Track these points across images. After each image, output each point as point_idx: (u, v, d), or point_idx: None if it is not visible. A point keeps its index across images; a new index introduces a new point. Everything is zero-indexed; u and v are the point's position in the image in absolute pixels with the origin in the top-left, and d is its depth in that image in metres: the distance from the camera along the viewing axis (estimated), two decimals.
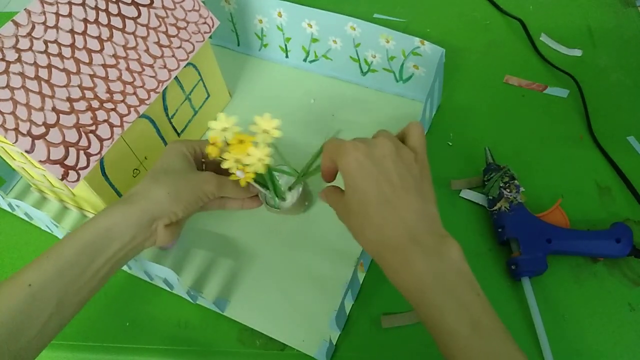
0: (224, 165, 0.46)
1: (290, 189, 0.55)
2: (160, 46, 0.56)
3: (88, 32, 0.52)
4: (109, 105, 0.52)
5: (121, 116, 0.52)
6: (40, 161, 0.47)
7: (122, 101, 0.53)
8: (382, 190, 0.39)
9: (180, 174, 0.47)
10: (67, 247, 0.42)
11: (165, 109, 0.60)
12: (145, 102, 0.54)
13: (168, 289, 0.56)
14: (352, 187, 0.40)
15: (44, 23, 0.50)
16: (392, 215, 0.39)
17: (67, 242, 0.42)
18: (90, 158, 0.50)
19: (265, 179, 0.52)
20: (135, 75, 0.54)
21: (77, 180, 0.49)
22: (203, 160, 0.52)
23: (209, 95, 0.67)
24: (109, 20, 0.53)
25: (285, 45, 0.74)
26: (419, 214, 0.39)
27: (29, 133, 0.47)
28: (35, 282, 0.40)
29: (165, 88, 0.58)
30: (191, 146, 0.50)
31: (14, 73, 0.47)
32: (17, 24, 0.48)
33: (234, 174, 0.48)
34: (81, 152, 0.49)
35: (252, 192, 0.52)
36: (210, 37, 0.61)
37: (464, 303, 0.36)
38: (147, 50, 0.55)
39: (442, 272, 0.37)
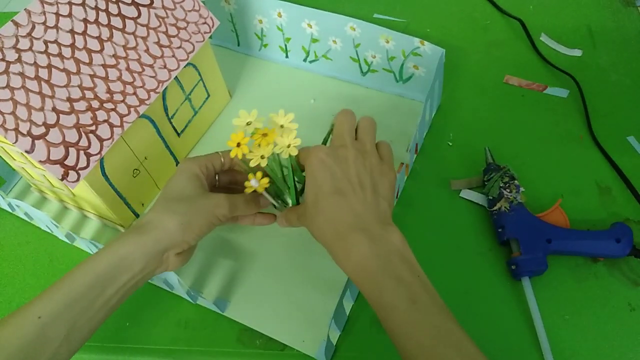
0: (251, 164, 0.46)
1: (301, 192, 0.56)
2: (160, 46, 0.56)
3: (88, 32, 0.52)
4: (109, 106, 0.52)
5: (121, 116, 0.52)
6: (40, 161, 0.47)
7: (122, 101, 0.53)
8: (336, 183, 0.43)
9: (192, 201, 0.47)
10: (78, 278, 0.42)
11: (165, 109, 0.60)
12: (145, 102, 0.54)
13: (168, 289, 0.56)
14: (311, 183, 0.44)
15: (44, 23, 0.50)
16: (344, 205, 0.42)
17: (79, 272, 0.42)
18: (90, 158, 0.50)
19: (278, 186, 0.52)
20: (135, 75, 0.54)
21: (77, 180, 0.49)
22: (217, 173, 0.53)
23: (209, 95, 0.67)
24: (109, 20, 0.53)
25: (285, 46, 0.74)
26: (369, 206, 0.42)
27: (29, 133, 0.47)
28: (45, 314, 0.40)
29: (165, 88, 0.58)
30: (204, 164, 0.50)
31: (14, 73, 0.47)
32: (17, 24, 0.48)
33: (248, 186, 0.48)
34: (81, 152, 0.50)
35: (264, 205, 0.53)
36: (210, 37, 0.61)
37: (404, 282, 0.39)
38: (147, 51, 0.55)
39: (385, 254, 0.40)
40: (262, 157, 0.46)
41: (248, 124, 0.46)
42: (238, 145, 0.46)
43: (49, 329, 0.40)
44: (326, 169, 0.43)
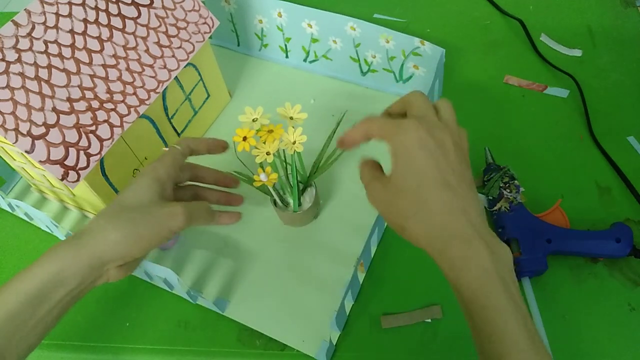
0: (257, 160, 0.47)
1: (303, 191, 0.56)
2: (160, 46, 0.56)
3: (88, 32, 0.52)
4: (109, 106, 0.52)
5: (121, 116, 0.52)
6: (40, 161, 0.47)
7: (122, 101, 0.53)
8: (443, 174, 0.35)
9: (145, 210, 0.42)
10: (10, 298, 0.39)
11: (165, 109, 0.60)
12: (145, 102, 0.54)
13: (168, 289, 0.56)
14: (407, 167, 0.36)
15: (44, 23, 0.50)
16: (455, 203, 0.35)
17: (9, 292, 0.39)
18: (90, 158, 0.50)
19: (282, 185, 0.53)
20: (135, 75, 0.54)
21: (77, 180, 0.49)
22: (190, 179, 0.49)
23: (209, 96, 0.67)
24: (109, 20, 0.53)
25: (285, 46, 0.74)
26: (476, 207, 0.36)
27: (29, 133, 0.47)
28: None
29: (165, 88, 0.58)
30: (170, 167, 0.45)
31: (14, 73, 0.47)
32: (17, 24, 0.48)
33: (257, 179, 0.48)
34: (81, 152, 0.49)
35: (237, 203, 0.51)
36: (210, 37, 0.61)
37: (521, 311, 0.33)
38: (147, 51, 0.55)
39: (503, 272, 0.34)
40: (268, 153, 0.47)
41: (254, 120, 0.47)
42: (244, 139, 0.47)
43: None
44: (429, 153, 0.35)
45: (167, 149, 0.47)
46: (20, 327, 0.39)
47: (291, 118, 0.48)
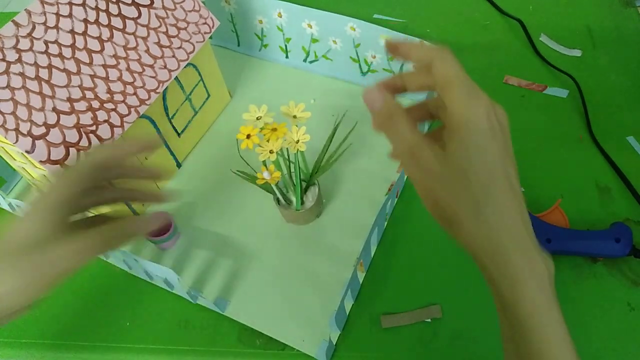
0: (261, 158, 0.47)
1: (306, 190, 0.56)
2: (161, 46, 0.56)
3: (88, 32, 0.52)
4: (110, 106, 0.52)
5: (121, 116, 0.52)
6: (40, 161, 0.47)
7: (123, 101, 0.53)
8: (509, 171, 0.30)
9: (42, 251, 0.35)
10: None
11: (166, 109, 0.60)
12: (146, 102, 0.54)
13: (168, 289, 0.56)
14: (478, 149, 0.29)
15: (44, 23, 0.50)
16: (518, 207, 0.30)
17: None
18: None
19: (285, 183, 0.53)
20: (136, 75, 0.54)
21: None
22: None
23: (209, 96, 0.67)
24: (110, 20, 0.53)
25: (286, 46, 0.74)
26: (526, 212, 0.31)
27: (29, 133, 0.47)
28: None
29: (166, 88, 0.58)
30: (68, 187, 0.37)
31: (14, 73, 0.47)
32: (17, 25, 0.48)
33: (260, 177, 0.49)
34: (81, 152, 0.50)
35: (149, 226, 0.41)
36: (210, 37, 0.61)
37: (568, 335, 0.30)
38: (147, 51, 0.55)
39: (553, 294, 0.30)
40: (271, 151, 0.47)
41: (258, 118, 0.47)
42: (248, 137, 0.47)
43: None
44: (498, 146, 0.29)
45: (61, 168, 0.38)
46: None
47: (294, 117, 0.48)
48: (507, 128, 0.30)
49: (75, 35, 0.51)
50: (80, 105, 0.50)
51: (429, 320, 0.52)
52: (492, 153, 0.29)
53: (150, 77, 0.55)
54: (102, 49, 0.52)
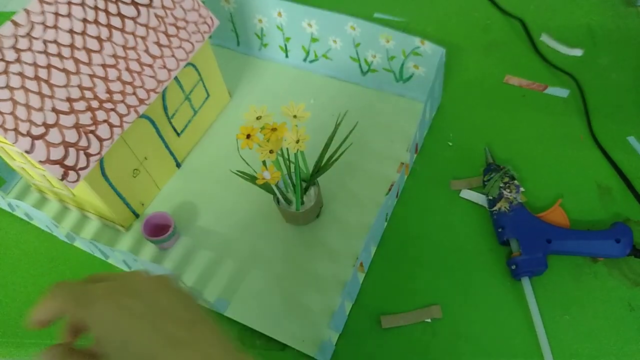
0: (260, 158, 0.46)
1: (306, 190, 0.56)
2: (160, 46, 0.56)
3: (87, 32, 0.52)
4: (109, 105, 0.52)
5: (121, 116, 0.52)
6: (40, 161, 0.47)
7: (122, 101, 0.53)
8: (165, 332, 0.31)
9: None
10: None
11: (165, 109, 0.60)
12: (145, 102, 0.54)
13: None
14: (118, 344, 0.31)
15: (43, 23, 0.49)
16: (191, 356, 0.30)
17: None
18: (90, 158, 0.50)
19: (285, 183, 0.53)
20: (135, 75, 0.54)
21: (77, 180, 0.49)
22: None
23: (208, 95, 0.67)
24: (109, 20, 0.53)
25: (285, 45, 0.74)
26: (223, 342, 0.32)
27: (28, 133, 0.47)
28: None
29: (165, 88, 0.58)
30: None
31: (13, 73, 0.47)
32: (16, 24, 0.48)
33: (260, 177, 0.49)
34: (81, 152, 0.49)
35: None
36: (209, 37, 0.61)
37: None
38: (146, 50, 0.55)
39: None
40: (271, 151, 0.47)
41: (258, 118, 0.47)
42: (248, 137, 0.47)
43: None
44: (135, 320, 0.32)
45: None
46: None
47: (294, 117, 0.48)
48: (154, 292, 0.32)
49: (74, 35, 0.51)
50: (80, 105, 0.50)
51: (429, 320, 0.52)
52: (134, 340, 0.30)
53: (150, 76, 0.55)
54: (101, 48, 0.52)
